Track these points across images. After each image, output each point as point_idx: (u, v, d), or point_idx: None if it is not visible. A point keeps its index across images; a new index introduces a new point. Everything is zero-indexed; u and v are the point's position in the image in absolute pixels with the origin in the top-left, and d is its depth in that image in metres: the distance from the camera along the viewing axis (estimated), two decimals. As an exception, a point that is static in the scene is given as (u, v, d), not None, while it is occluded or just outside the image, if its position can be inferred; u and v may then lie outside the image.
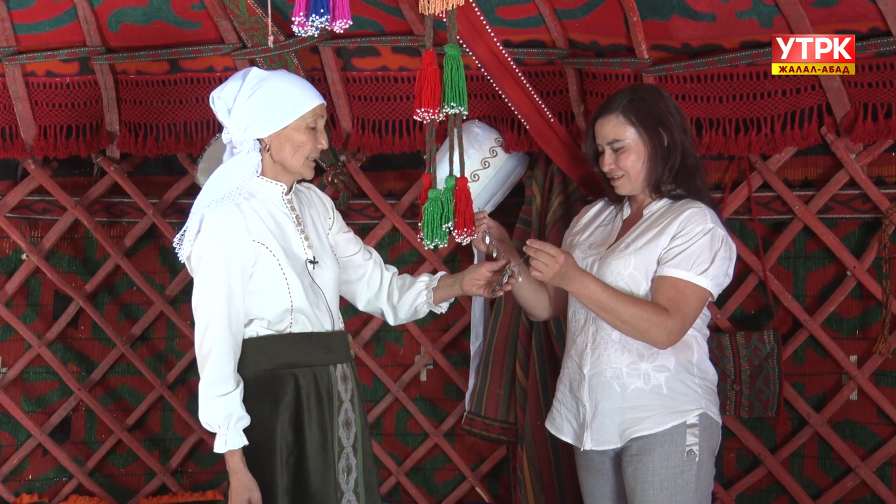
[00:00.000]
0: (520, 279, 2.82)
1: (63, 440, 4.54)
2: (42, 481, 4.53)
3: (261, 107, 2.63)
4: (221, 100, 2.68)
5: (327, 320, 2.75)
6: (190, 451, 4.52)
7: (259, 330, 2.65)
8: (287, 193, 2.74)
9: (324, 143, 2.73)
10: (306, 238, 2.74)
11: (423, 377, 4.41)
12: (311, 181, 4.20)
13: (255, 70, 2.69)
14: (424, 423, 4.36)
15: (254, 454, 2.60)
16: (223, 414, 2.56)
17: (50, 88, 4.24)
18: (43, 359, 4.47)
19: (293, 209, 2.75)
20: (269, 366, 2.65)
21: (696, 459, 2.73)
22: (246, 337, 2.64)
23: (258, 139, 2.67)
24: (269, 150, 2.68)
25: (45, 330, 4.50)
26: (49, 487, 4.53)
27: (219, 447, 2.58)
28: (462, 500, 4.36)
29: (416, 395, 4.39)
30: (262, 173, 2.70)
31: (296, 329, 2.68)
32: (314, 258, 2.73)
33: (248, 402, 2.60)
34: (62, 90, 4.24)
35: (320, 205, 2.89)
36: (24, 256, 4.48)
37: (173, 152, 4.32)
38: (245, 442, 2.58)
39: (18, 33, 4.09)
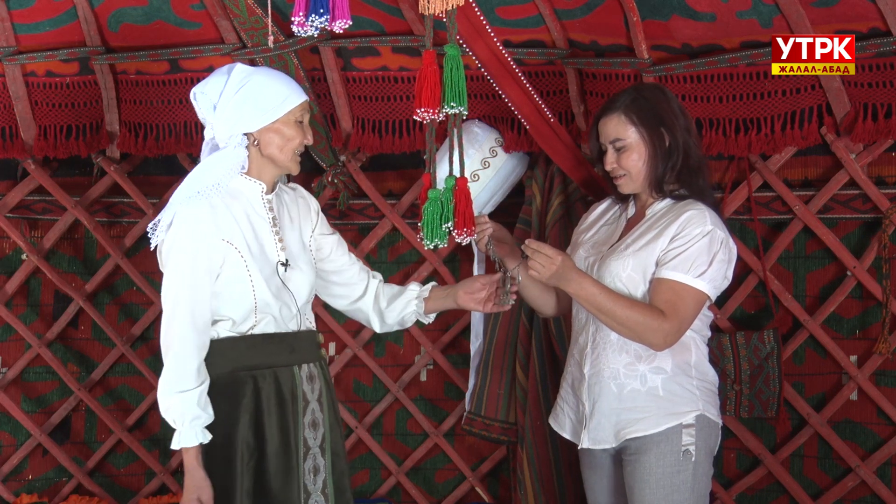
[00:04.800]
0: (519, 279, 2.84)
1: (63, 440, 4.54)
2: (42, 481, 4.53)
3: (250, 101, 2.64)
4: (205, 95, 2.67)
5: (294, 322, 2.74)
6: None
7: (220, 332, 2.65)
8: (268, 193, 2.74)
9: (309, 139, 2.73)
10: (280, 240, 2.73)
11: (423, 377, 4.41)
12: (311, 183, 4.25)
13: (239, 65, 2.70)
14: (424, 423, 4.36)
15: (214, 456, 2.60)
16: (178, 411, 2.56)
17: (50, 88, 4.24)
18: (43, 359, 4.48)
19: (271, 210, 2.74)
20: (227, 368, 2.65)
21: (693, 459, 2.74)
22: None
23: (245, 134, 2.67)
24: (257, 145, 2.68)
25: (45, 330, 4.51)
26: (49, 487, 4.53)
27: (174, 443, 2.58)
28: (462, 500, 4.36)
29: (416, 395, 4.39)
30: (248, 169, 2.70)
31: (258, 330, 2.68)
32: (286, 261, 2.72)
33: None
34: (62, 90, 4.24)
35: (304, 206, 2.88)
36: (24, 256, 4.48)
37: (173, 152, 4.32)
38: (200, 440, 2.57)
39: (18, 33, 4.09)
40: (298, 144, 2.71)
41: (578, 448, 2.91)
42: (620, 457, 2.84)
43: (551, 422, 3.02)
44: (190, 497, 2.58)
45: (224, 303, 2.65)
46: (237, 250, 2.64)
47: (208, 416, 2.59)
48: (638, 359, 2.78)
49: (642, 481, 2.74)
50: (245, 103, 2.64)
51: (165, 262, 2.65)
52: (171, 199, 2.65)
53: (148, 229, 2.69)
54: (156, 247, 2.70)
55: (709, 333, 2.90)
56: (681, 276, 2.71)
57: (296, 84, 2.73)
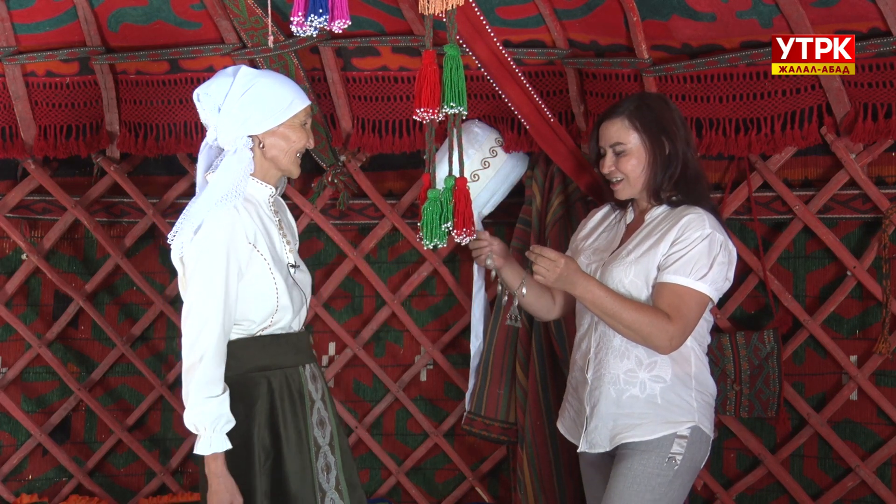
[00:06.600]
0: (524, 292, 2.90)
1: (63, 440, 4.54)
2: (42, 481, 4.53)
3: (257, 103, 2.64)
4: (209, 96, 2.66)
5: (297, 323, 2.77)
6: (190, 451, 4.51)
7: (232, 333, 2.65)
8: (273, 196, 2.77)
9: (311, 142, 2.75)
10: (288, 242, 2.77)
11: (423, 377, 4.41)
12: (311, 183, 4.26)
13: (244, 68, 2.70)
14: (424, 423, 4.36)
15: (232, 460, 2.59)
16: (213, 415, 2.54)
17: (50, 88, 4.23)
18: (43, 359, 4.47)
19: (276, 213, 2.78)
20: (240, 370, 2.65)
21: (676, 468, 2.76)
22: None
23: (250, 136, 2.68)
24: (261, 147, 2.69)
25: (45, 330, 4.50)
26: (49, 487, 4.53)
27: (202, 449, 2.56)
28: (462, 500, 4.36)
29: (416, 395, 4.39)
30: (254, 171, 2.71)
31: (269, 331, 2.69)
32: (295, 262, 2.77)
33: None
34: (62, 90, 4.24)
35: (293, 225, 2.92)
36: (24, 256, 4.48)
37: (173, 152, 4.32)
38: (229, 445, 2.57)
39: (18, 33, 4.09)
40: (301, 147, 2.73)
41: (578, 450, 2.93)
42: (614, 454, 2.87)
43: (559, 425, 3.05)
44: (223, 503, 2.57)
45: (247, 305, 2.65)
46: (260, 254, 2.65)
47: (233, 420, 2.59)
48: (639, 366, 2.80)
49: (621, 475, 2.78)
50: (251, 105, 2.65)
51: (194, 268, 2.60)
52: (192, 207, 2.63)
53: (168, 237, 2.66)
54: (171, 251, 2.67)
55: (709, 340, 2.92)
56: (682, 279, 2.73)
57: (300, 89, 2.74)
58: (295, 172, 2.76)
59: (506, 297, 3.87)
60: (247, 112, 2.64)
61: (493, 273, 2.89)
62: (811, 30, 3.27)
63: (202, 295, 2.58)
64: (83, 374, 4.55)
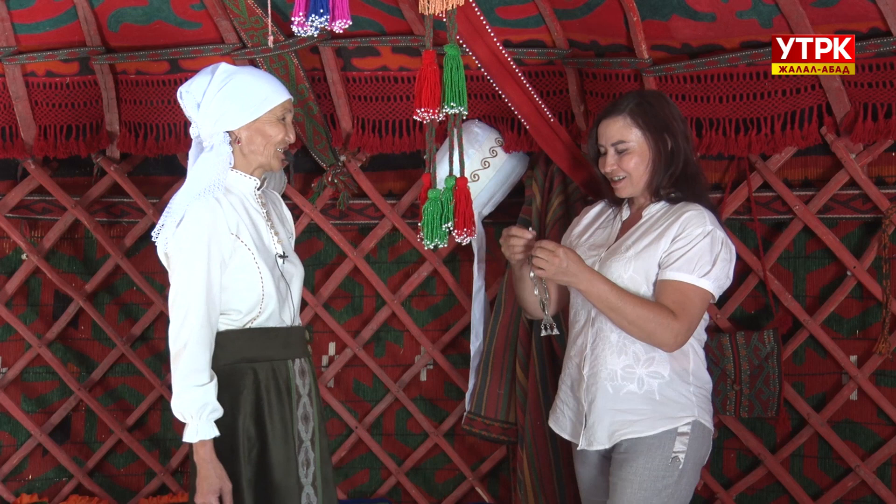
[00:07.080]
0: (547, 296, 2.90)
1: (63, 440, 4.54)
2: (42, 481, 4.53)
3: (232, 99, 2.69)
4: (190, 94, 2.72)
5: (288, 315, 2.80)
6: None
7: (221, 324, 2.69)
8: (259, 188, 2.80)
9: (292, 137, 2.78)
10: (276, 233, 2.80)
11: (423, 377, 4.41)
12: (311, 183, 4.26)
13: (223, 65, 2.75)
14: (424, 423, 4.36)
15: (216, 448, 2.63)
16: (199, 403, 2.58)
17: (50, 88, 4.23)
18: (43, 359, 4.47)
19: (263, 205, 2.81)
20: (228, 360, 2.69)
21: (680, 467, 2.75)
22: None
23: (228, 131, 2.71)
24: (239, 143, 2.73)
25: (45, 330, 4.50)
26: (49, 487, 4.53)
27: (190, 437, 2.61)
28: (462, 500, 4.36)
29: (416, 395, 4.39)
30: (234, 164, 2.75)
31: (257, 323, 2.72)
32: (283, 252, 2.80)
33: None
34: (62, 90, 4.24)
35: (284, 212, 2.95)
36: (24, 256, 4.48)
37: (173, 152, 4.32)
38: (216, 433, 2.61)
39: (18, 33, 4.09)
40: (280, 142, 2.76)
41: (578, 448, 2.92)
42: (611, 455, 2.86)
43: (551, 424, 3.03)
44: (212, 488, 2.62)
45: (233, 296, 2.69)
46: (244, 244, 2.69)
47: (220, 409, 2.63)
48: (636, 361, 2.79)
49: (626, 480, 2.76)
50: (227, 101, 2.69)
51: (177, 260, 2.66)
52: (173, 203, 2.69)
53: (153, 235, 2.72)
54: (157, 247, 2.71)
55: (705, 337, 2.92)
56: (686, 276, 2.73)
57: (279, 83, 2.78)
58: (276, 166, 2.79)
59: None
60: (222, 108, 2.69)
61: (532, 279, 2.88)
62: (811, 30, 3.27)
63: (184, 285, 2.63)
64: (83, 374, 4.55)
